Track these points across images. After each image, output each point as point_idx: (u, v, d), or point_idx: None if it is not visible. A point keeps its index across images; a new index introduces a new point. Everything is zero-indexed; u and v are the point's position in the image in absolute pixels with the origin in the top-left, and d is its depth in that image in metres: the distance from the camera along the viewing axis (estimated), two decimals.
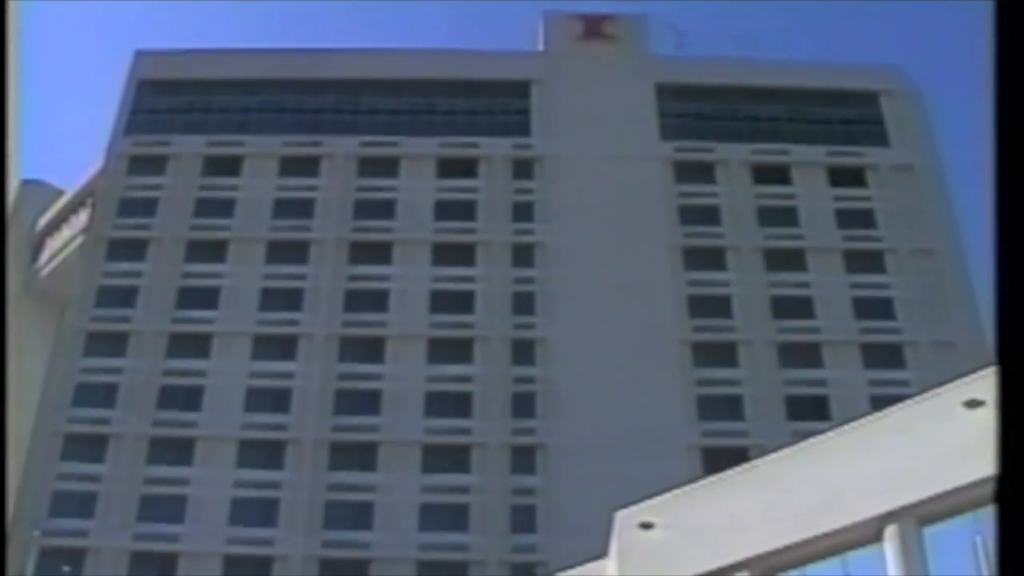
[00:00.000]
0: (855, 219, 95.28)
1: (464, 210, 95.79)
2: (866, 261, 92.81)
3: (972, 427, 31.71)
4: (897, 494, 35.28)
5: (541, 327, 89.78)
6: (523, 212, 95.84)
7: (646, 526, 42.29)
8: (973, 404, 32.69)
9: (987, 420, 28.32)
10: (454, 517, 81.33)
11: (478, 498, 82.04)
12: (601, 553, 46.17)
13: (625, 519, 43.48)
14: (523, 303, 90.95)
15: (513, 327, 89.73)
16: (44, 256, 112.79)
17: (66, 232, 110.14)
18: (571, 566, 49.58)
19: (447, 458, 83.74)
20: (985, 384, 31.24)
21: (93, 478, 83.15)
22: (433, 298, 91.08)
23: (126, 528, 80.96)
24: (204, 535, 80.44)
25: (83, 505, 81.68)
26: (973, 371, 33.36)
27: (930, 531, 34.99)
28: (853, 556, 36.99)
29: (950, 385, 34.76)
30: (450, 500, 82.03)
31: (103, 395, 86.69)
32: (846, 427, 39.34)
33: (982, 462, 26.67)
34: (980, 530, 32.82)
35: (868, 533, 36.13)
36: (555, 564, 61.11)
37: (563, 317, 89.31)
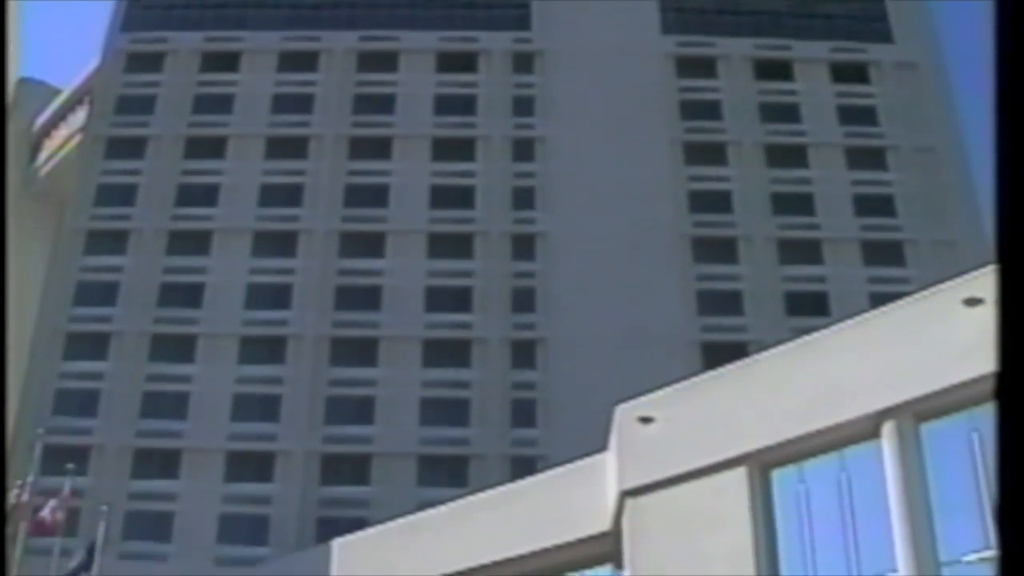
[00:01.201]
0: (857, 116, 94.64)
1: (464, 105, 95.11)
2: (867, 158, 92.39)
3: (971, 325, 31.73)
4: (895, 391, 35.37)
5: (541, 222, 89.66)
6: (523, 107, 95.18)
7: (645, 420, 42.50)
8: (972, 302, 32.68)
9: (986, 318, 28.36)
10: (454, 411, 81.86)
11: (478, 393, 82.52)
12: (601, 447, 46.50)
13: (625, 413, 43.70)
14: (523, 198, 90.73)
15: (513, 222, 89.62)
16: (42, 155, 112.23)
17: (64, 131, 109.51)
18: (571, 460, 50.01)
19: (447, 353, 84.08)
20: (985, 282, 31.22)
21: (95, 376, 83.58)
22: (433, 193, 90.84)
23: (129, 425, 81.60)
24: (206, 431, 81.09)
25: (86, 403, 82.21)
26: (973, 269, 33.33)
27: (927, 428, 35.16)
28: (850, 452, 37.11)
29: (950, 283, 34.74)
30: (450, 395, 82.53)
31: (104, 294, 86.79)
32: (845, 324, 39.38)
33: (980, 360, 26.73)
34: (977, 427, 32.99)
35: (865, 429, 36.27)
36: (555, 458, 61.08)
37: (563, 212, 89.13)
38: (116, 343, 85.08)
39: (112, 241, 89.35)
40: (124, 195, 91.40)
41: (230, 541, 77.08)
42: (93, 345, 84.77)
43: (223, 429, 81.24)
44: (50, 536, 48.80)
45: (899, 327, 36.58)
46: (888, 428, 35.65)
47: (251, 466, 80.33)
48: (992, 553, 31.12)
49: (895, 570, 34.47)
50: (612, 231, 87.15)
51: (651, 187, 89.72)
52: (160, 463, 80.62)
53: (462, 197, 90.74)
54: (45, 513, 47.94)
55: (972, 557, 32.29)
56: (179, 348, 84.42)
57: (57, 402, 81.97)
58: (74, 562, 48.85)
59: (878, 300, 46.62)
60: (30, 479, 48.83)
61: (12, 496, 47.35)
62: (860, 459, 36.67)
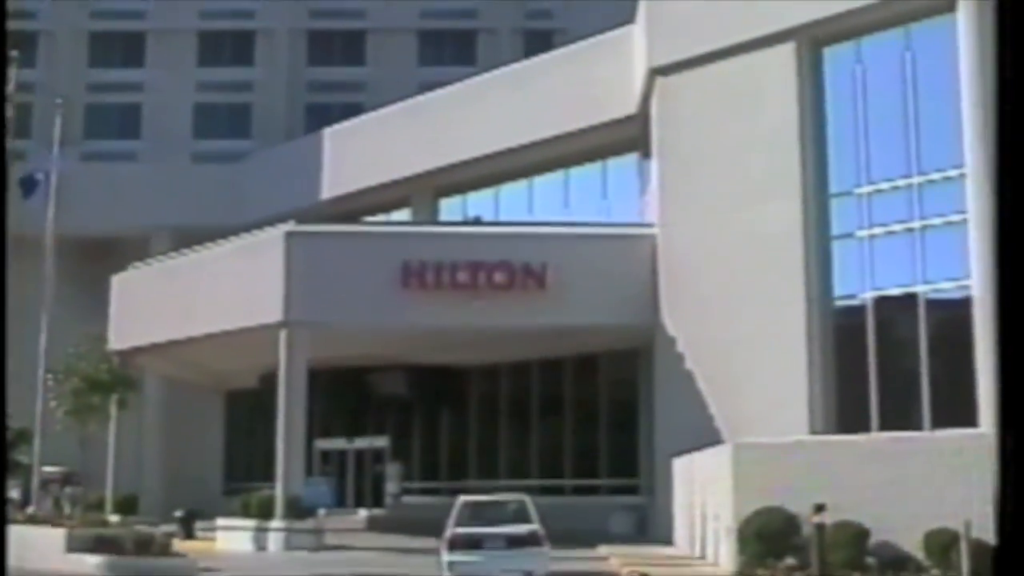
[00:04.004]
0: None
1: None
2: None
3: None
4: None
5: None
6: None
7: None
8: None
9: None
10: None
11: None
12: (627, 19, 45.91)
13: None
14: None
15: None
16: None
17: None
18: (593, 34, 49.64)
19: None
20: None
21: None
22: None
23: (82, 6, 79.49)
24: (174, 9, 79.07)
25: None
26: None
27: None
28: (917, 28, 36.49)
29: None
30: None
31: None
32: None
33: None
34: None
35: (939, 3, 35.24)
36: (574, 32, 61.71)
37: None
38: None
39: None
40: None
41: (208, 135, 76.81)
42: None
43: (194, 5, 79.32)
44: None
45: None
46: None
47: (228, 48, 79.07)
48: None
49: (962, 166, 34.07)
50: None
51: None
52: (122, 48, 79.37)
53: None
54: None
55: None
56: None
57: None
58: (37, 172, 47.79)
59: None
60: None
61: None
62: (929, 36, 35.88)
